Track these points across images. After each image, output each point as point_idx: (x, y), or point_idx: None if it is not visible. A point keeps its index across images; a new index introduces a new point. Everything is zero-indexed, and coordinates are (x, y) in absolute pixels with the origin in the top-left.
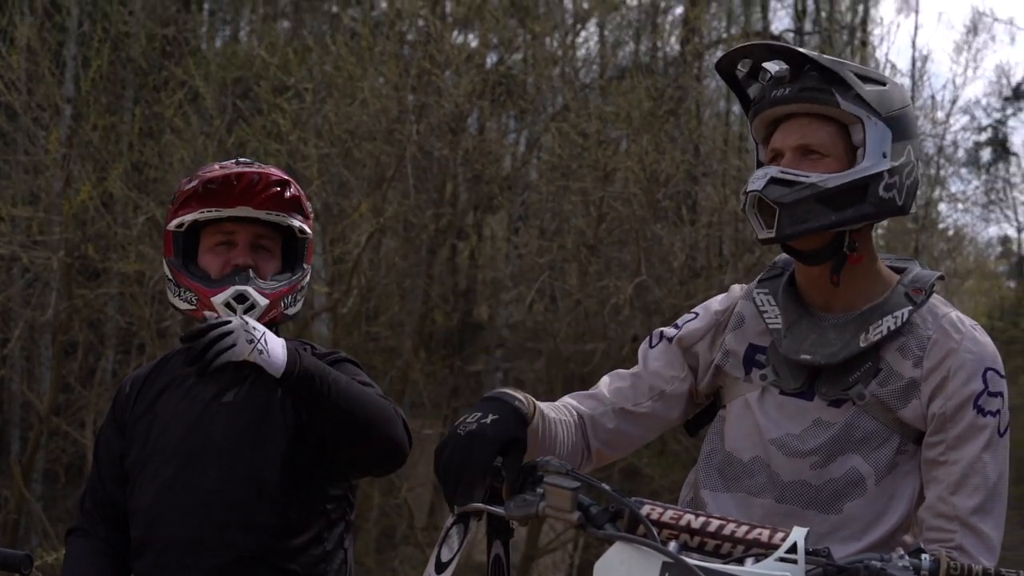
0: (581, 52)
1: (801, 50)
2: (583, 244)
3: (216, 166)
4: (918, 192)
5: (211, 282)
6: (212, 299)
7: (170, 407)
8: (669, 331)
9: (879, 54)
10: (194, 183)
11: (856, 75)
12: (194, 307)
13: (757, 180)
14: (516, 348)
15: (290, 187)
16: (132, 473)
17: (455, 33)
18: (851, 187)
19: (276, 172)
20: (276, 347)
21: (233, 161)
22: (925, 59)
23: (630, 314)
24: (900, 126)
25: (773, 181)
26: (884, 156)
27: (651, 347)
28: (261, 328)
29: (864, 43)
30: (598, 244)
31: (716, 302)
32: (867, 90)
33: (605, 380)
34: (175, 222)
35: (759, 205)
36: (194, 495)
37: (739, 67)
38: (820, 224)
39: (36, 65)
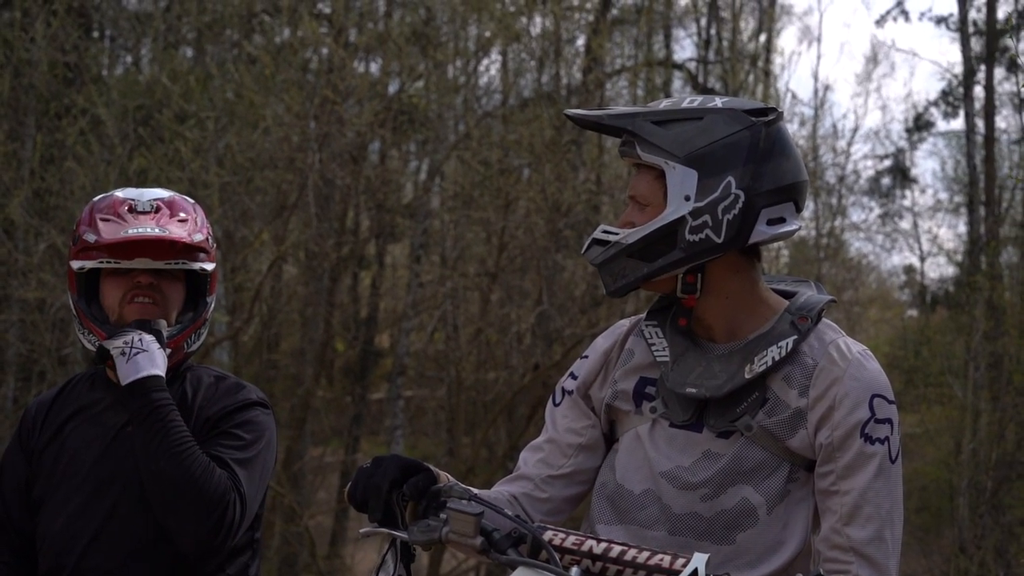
0: (483, 80)
1: (585, 113)
2: (484, 273)
3: (115, 205)
4: (799, 217)
5: (112, 329)
6: (107, 345)
7: (79, 434)
8: (568, 384)
9: (780, 83)
10: (92, 238)
11: (656, 121)
12: (95, 349)
13: (587, 240)
14: (418, 376)
15: (192, 239)
16: (40, 500)
17: (358, 62)
18: (656, 237)
19: (173, 226)
20: (144, 362)
21: (131, 200)
22: (827, 89)
23: (531, 343)
24: (711, 161)
25: (594, 242)
26: (687, 199)
27: (556, 405)
28: (152, 345)
29: (767, 72)
30: (499, 273)
31: (602, 339)
32: (665, 135)
33: (523, 457)
34: (76, 264)
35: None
36: (104, 523)
37: None
38: (636, 277)
39: None
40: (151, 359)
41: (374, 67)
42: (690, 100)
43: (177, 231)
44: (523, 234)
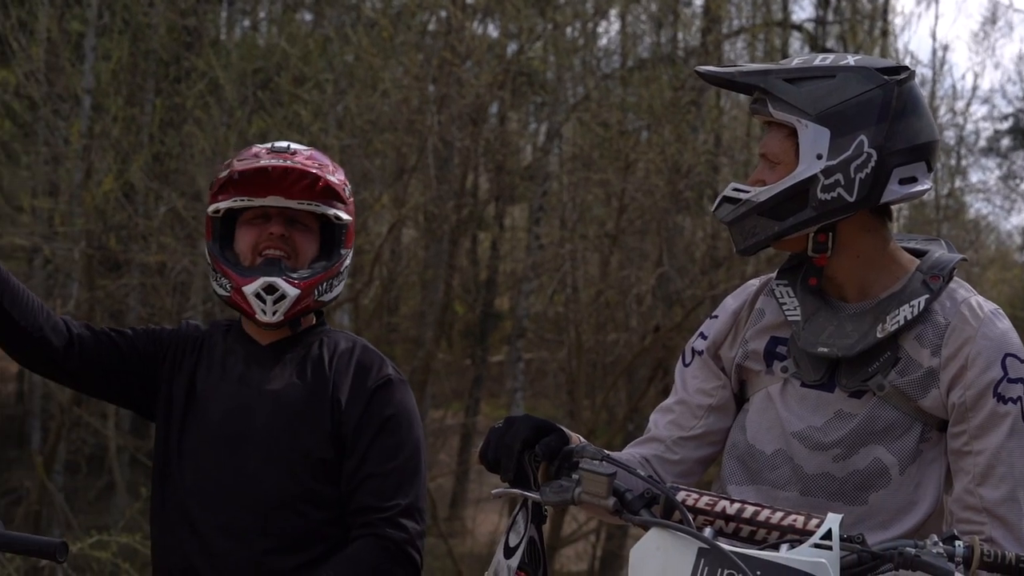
0: (602, 42)
1: (718, 73)
2: (604, 234)
3: (253, 150)
4: (928, 176)
5: (243, 270)
6: (243, 288)
7: (210, 384)
8: (698, 344)
9: (900, 43)
10: (226, 172)
11: (788, 79)
12: (229, 294)
13: (718, 198)
14: (537, 339)
15: (325, 177)
16: (174, 454)
17: (476, 23)
18: (787, 195)
19: (309, 163)
20: None
21: (268, 146)
22: (945, 49)
23: (652, 304)
24: (843, 120)
25: (724, 200)
26: (819, 157)
27: (686, 366)
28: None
29: (885, 32)
30: (619, 234)
31: (731, 299)
32: (797, 92)
33: (654, 419)
34: (212, 207)
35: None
36: (233, 482)
37: None
38: (766, 236)
39: (56, 57)
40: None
41: (492, 29)
42: (822, 58)
43: (309, 166)
44: (643, 196)
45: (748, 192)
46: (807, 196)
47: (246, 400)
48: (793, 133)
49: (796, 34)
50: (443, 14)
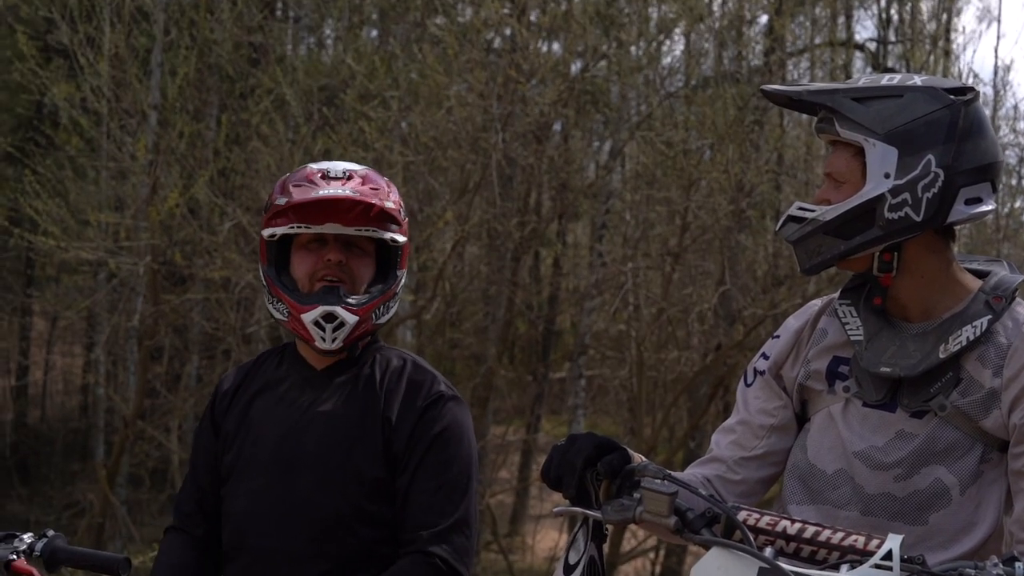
0: (666, 61)
1: (786, 91)
2: (667, 252)
3: (307, 172)
4: (990, 196)
5: (302, 297)
6: (302, 316)
7: (265, 411)
8: (760, 364)
9: (962, 63)
10: (283, 200)
11: (855, 98)
12: (286, 319)
13: (782, 217)
14: (599, 356)
15: (380, 204)
16: (227, 476)
17: (540, 42)
18: (854, 215)
19: (364, 189)
20: None
21: (323, 169)
22: (1008, 68)
23: (713, 322)
24: (911, 139)
25: (789, 219)
26: (887, 176)
27: (748, 386)
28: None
29: (947, 52)
30: (682, 252)
31: (793, 319)
32: (865, 112)
33: (715, 439)
34: (267, 232)
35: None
36: (286, 505)
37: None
38: (832, 255)
39: (123, 72)
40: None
41: (556, 47)
42: (888, 78)
43: (367, 195)
44: (705, 214)
45: (814, 211)
46: (874, 215)
47: (298, 423)
48: (860, 152)
49: (859, 54)
50: (508, 32)
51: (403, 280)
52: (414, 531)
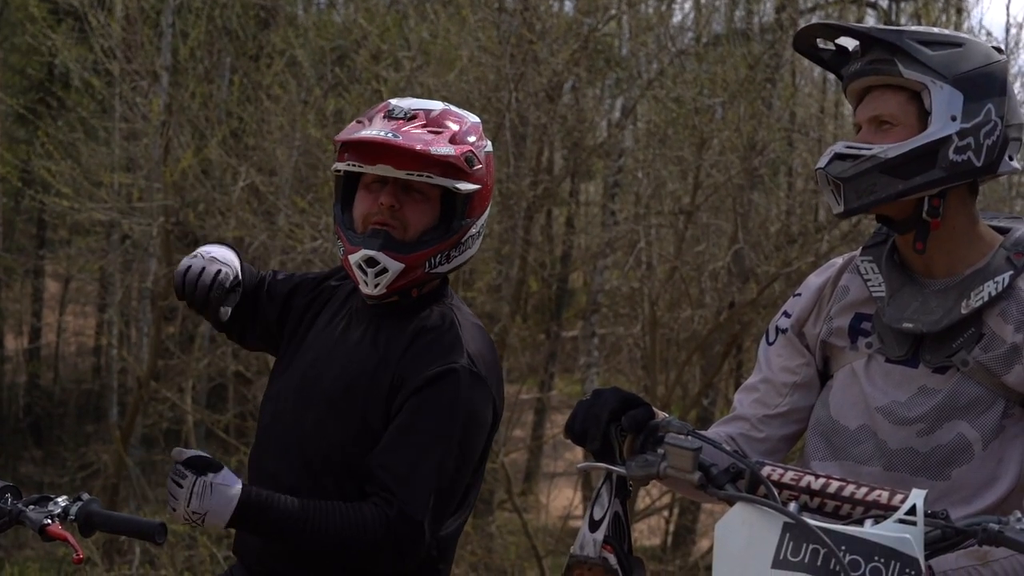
0: (676, 18)
1: (855, 26)
2: (679, 210)
3: (378, 107)
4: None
5: (353, 237)
6: (349, 257)
7: (317, 331)
8: (783, 322)
9: (973, 20)
10: (343, 134)
11: (920, 41)
12: (342, 257)
13: (824, 157)
14: (612, 314)
15: (429, 151)
16: (277, 361)
17: (552, 1)
18: (917, 154)
19: (419, 134)
20: (218, 504)
21: (388, 108)
22: (1021, 26)
23: (726, 280)
24: (974, 86)
25: (836, 157)
26: (953, 119)
27: (769, 344)
28: (189, 485)
29: (959, 9)
30: (694, 211)
31: (815, 276)
32: (932, 55)
33: (738, 398)
34: (334, 166)
35: (830, 181)
36: (298, 432)
37: (819, 44)
38: (887, 194)
39: (134, 34)
40: (216, 499)
41: (568, 6)
42: (939, 30)
43: (412, 138)
44: (718, 172)
45: (871, 148)
46: (936, 157)
47: (329, 355)
48: (914, 97)
49: (871, 11)
50: None
51: (474, 230)
52: (376, 485)
